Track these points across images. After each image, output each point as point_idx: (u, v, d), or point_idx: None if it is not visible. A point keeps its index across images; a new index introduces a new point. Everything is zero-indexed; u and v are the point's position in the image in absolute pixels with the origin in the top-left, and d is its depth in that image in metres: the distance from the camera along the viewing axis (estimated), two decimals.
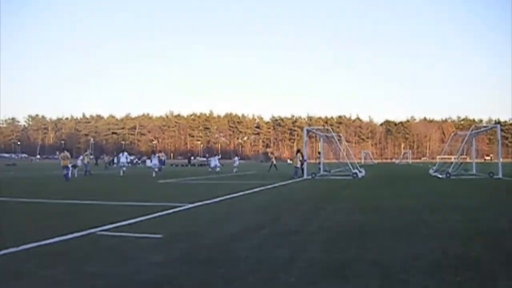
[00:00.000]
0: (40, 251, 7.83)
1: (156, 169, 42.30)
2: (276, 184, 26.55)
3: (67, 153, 35.02)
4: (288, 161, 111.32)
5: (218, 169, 46.80)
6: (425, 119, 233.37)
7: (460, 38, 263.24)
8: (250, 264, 6.85)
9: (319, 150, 42.73)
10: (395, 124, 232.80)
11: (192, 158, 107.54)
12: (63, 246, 8.31)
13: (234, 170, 49.27)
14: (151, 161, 45.72)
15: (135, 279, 6.06)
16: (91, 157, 45.96)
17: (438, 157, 73.04)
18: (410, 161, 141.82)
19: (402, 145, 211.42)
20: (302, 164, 39.47)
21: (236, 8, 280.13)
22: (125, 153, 46.38)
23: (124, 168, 42.56)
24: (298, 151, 41.65)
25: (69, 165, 34.88)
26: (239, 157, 60.73)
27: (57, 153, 39.51)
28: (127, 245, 8.45)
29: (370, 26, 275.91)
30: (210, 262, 7.03)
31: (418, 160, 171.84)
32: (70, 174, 33.22)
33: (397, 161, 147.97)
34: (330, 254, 7.52)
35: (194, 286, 5.76)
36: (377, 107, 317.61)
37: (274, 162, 56.61)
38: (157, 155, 46.90)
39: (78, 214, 13.66)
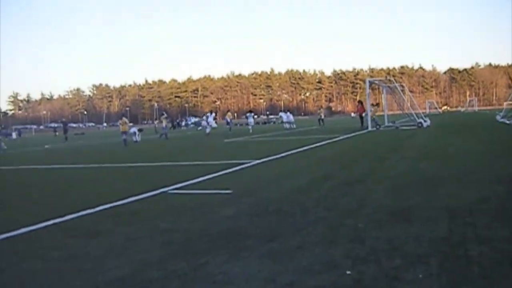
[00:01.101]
0: (115, 211, 8.15)
1: (208, 129, 42.84)
2: (341, 137, 26.48)
3: (125, 119, 36.25)
4: (352, 114, 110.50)
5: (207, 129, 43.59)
6: (490, 65, 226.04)
7: None
8: (318, 213, 6.97)
9: (377, 101, 42.20)
10: (459, 72, 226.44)
11: (256, 116, 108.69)
12: (136, 205, 8.60)
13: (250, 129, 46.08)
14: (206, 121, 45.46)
15: (208, 232, 6.24)
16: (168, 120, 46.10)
17: (505, 103, 71.03)
18: (476, 108, 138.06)
19: (468, 93, 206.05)
20: (361, 115, 39.53)
21: None
22: (213, 114, 48.59)
23: (208, 129, 43.36)
24: (360, 102, 41.78)
25: (132, 130, 36.46)
26: (253, 114, 59.04)
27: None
28: (198, 201, 8.68)
29: None
30: (280, 213, 7.17)
31: (484, 107, 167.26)
32: (128, 140, 33.88)
33: (462, 109, 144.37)
34: (396, 201, 7.55)
35: (266, 235, 5.89)
36: (440, 55, 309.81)
37: (322, 116, 55.96)
38: (212, 114, 47.56)
39: (148, 176, 14.08)
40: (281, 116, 59.53)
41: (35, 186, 13.10)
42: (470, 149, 16.11)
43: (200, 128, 58.66)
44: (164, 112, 49.24)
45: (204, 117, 50.93)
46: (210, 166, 14.86)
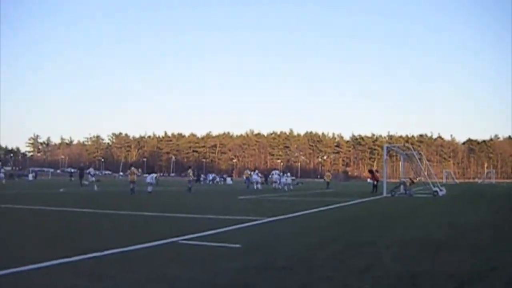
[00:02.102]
0: (124, 256, 8.17)
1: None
2: (354, 201, 26.42)
3: (133, 169, 37.36)
4: (368, 180, 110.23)
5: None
6: (510, 137, 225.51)
7: None
8: (324, 272, 6.94)
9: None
10: (478, 143, 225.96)
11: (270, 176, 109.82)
12: (145, 252, 8.62)
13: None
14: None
15: (214, 283, 6.25)
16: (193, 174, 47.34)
17: None
18: (493, 180, 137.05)
19: (486, 165, 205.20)
20: (375, 182, 39.84)
21: (312, 30, 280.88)
22: (256, 171, 52.95)
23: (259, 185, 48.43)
24: (370, 171, 42.60)
25: (149, 178, 37.20)
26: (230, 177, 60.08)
27: (128, 170, 40.70)
28: (207, 253, 8.69)
29: (454, 42, 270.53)
30: (286, 269, 7.16)
31: (502, 180, 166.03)
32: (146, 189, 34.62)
33: (479, 181, 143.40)
34: (404, 265, 7.52)
35: None
36: (459, 125, 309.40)
37: (327, 180, 56.84)
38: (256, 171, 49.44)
39: (159, 225, 14.10)
40: (272, 175, 57.44)
41: (46, 226, 13.17)
42: (483, 220, 16.00)
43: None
44: (190, 166, 49.98)
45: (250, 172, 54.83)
46: (223, 220, 14.89)
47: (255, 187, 48.61)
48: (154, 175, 39.48)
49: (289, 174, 55.14)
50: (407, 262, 7.80)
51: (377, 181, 41.52)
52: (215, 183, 78.78)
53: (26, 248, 9.00)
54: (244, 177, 56.44)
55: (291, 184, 51.72)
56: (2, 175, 64.37)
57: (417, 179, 38.63)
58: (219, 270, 7.01)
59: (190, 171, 43.22)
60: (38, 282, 6.19)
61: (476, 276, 6.70)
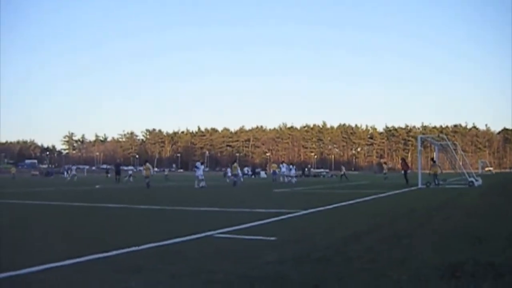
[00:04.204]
0: (161, 250, 8.25)
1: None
2: (389, 193, 26.28)
3: (148, 165, 39.85)
4: (402, 171, 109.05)
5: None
6: None
7: None
8: (362, 263, 6.89)
9: (432, 158, 41.71)
10: None
11: (306, 169, 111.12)
12: (182, 246, 8.70)
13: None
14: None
15: (250, 275, 6.24)
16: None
17: None
18: None
19: None
20: (405, 172, 39.73)
21: (344, 24, 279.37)
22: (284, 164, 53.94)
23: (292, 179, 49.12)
24: (402, 159, 43.31)
25: (198, 173, 38.53)
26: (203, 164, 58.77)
27: (144, 165, 42.01)
28: (243, 246, 8.72)
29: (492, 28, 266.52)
30: (323, 261, 7.13)
31: None
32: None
33: None
34: (442, 256, 7.43)
35: (308, 282, 5.87)
36: (495, 115, 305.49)
37: (343, 172, 61.27)
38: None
39: (196, 219, 14.20)
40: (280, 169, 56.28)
41: (86, 222, 13.36)
42: None
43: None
44: (235, 161, 50.60)
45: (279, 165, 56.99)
46: (257, 213, 14.96)
47: (285, 180, 48.82)
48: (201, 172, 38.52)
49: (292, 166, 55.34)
50: (446, 253, 7.71)
51: (406, 171, 41.40)
52: (249, 177, 79.15)
53: (65, 244, 9.12)
54: (271, 170, 56.00)
55: (294, 177, 52.16)
56: (74, 172, 65.12)
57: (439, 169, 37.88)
58: (255, 263, 7.01)
59: (235, 165, 44.04)
60: (77, 277, 6.26)
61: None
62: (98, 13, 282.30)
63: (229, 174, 49.06)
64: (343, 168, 65.51)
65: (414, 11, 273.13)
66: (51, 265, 6.83)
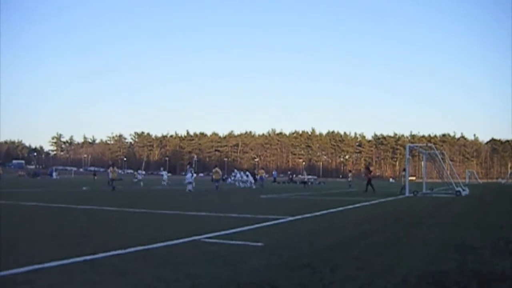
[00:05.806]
0: (146, 254, 8.20)
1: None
2: (376, 201, 26.31)
3: (115, 168, 42.63)
4: (391, 179, 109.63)
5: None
6: None
7: None
8: (348, 271, 6.90)
9: (404, 167, 41.83)
10: (502, 143, 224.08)
11: (294, 175, 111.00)
12: (168, 250, 8.65)
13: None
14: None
15: (236, 280, 6.25)
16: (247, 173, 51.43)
17: None
18: None
19: (509, 165, 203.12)
20: (369, 180, 40.05)
21: (334, 30, 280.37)
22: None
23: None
24: (367, 168, 43.47)
25: (188, 177, 39.71)
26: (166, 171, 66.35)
27: (109, 168, 44.19)
28: (229, 251, 8.67)
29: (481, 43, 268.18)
30: (309, 267, 7.13)
31: None
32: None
33: (503, 181, 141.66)
34: (428, 265, 7.45)
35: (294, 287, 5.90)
36: (483, 125, 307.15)
37: (305, 180, 61.91)
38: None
39: (181, 223, 14.17)
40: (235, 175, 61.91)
41: (70, 224, 13.29)
42: (507, 219, 15.85)
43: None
44: (216, 165, 51.97)
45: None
46: (244, 219, 14.91)
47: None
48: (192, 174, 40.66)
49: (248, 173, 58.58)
50: (432, 262, 7.73)
51: (370, 179, 41.73)
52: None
53: (51, 246, 9.05)
54: (259, 176, 56.51)
55: (253, 183, 54.00)
56: (140, 177, 60.82)
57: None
58: (241, 268, 7.01)
59: (113, 169, 44.04)
60: (62, 279, 6.22)
61: (497, 276, 6.64)
62: (88, 17, 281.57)
63: (231, 178, 50.35)
64: (305, 173, 68.30)
65: (402, 20, 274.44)
66: (36, 267, 6.79)
